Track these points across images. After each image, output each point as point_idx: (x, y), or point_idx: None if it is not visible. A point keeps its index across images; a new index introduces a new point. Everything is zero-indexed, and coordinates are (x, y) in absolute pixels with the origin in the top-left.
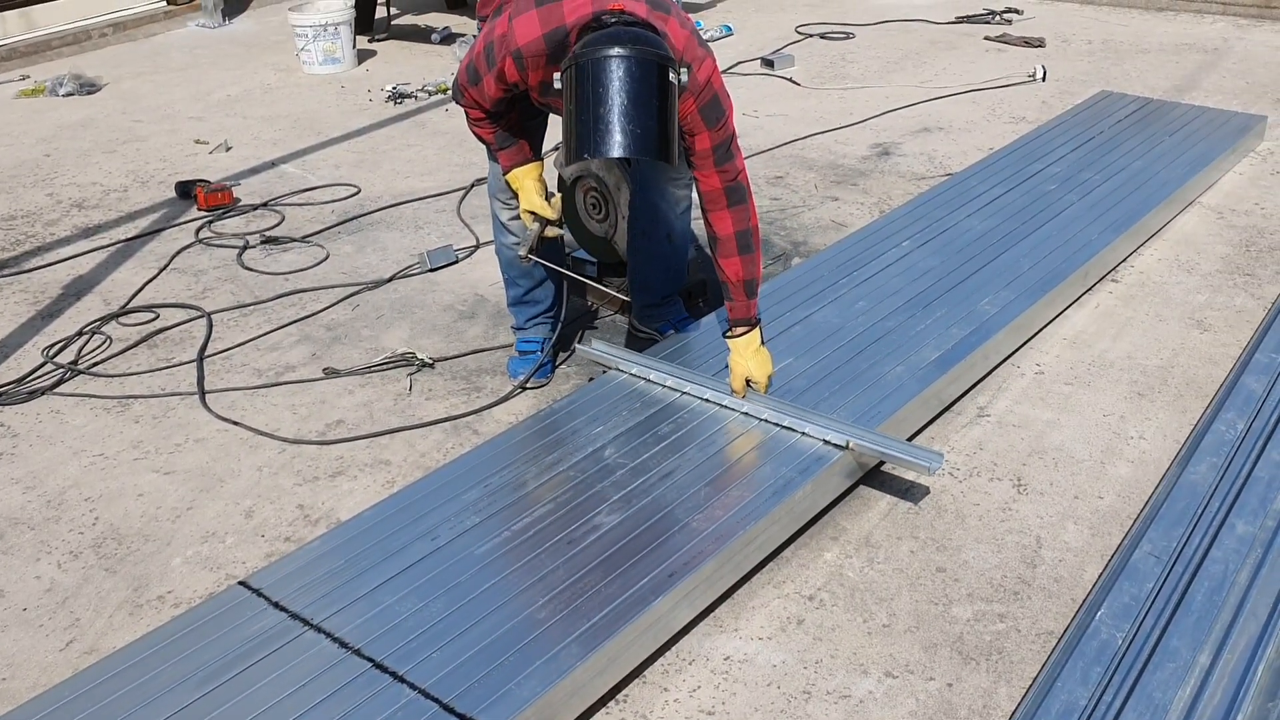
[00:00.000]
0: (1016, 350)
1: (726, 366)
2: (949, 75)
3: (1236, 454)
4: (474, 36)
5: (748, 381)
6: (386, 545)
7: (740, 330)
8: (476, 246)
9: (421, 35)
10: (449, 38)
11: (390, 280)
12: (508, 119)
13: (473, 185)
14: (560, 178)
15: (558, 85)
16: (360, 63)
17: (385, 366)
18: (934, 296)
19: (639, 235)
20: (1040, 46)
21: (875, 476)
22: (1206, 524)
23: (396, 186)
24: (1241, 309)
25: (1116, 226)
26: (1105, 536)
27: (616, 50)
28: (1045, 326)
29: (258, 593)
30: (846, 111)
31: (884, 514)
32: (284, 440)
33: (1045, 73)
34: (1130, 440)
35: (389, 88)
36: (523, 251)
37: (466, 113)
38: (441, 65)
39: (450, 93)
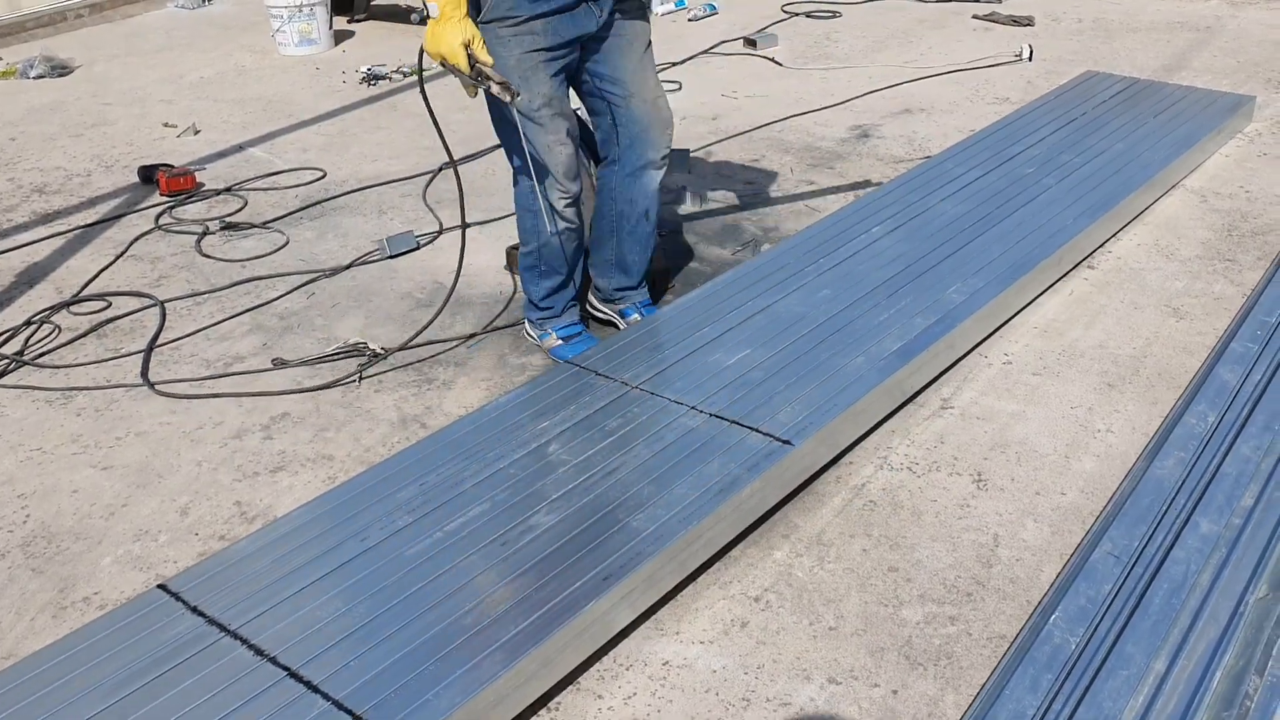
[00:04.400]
0: (985, 339)
1: (680, 361)
2: (934, 55)
3: (1205, 448)
4: None
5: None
6: (314, 546)
7: None
8: (439, 232)
9: (401, 16)
10: (426, 19)
11: (349, 267)
12: None
13: (440, 169)
14: None
15: None
16: (337, 44)
17: (336, 357)
18: (902, 284)
19: (616, 216)
20: (1029, 25)
21: (832, 471)
22: (1170, 522)
23: (363, 170)
24: (1220, 296)
25: (1094, 210)
26: (1065, 535)
27: None
28: (1017, 314)
29: (176, 596)
30: (828, 92)
31: (838, 511)
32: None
33: (1032, 52)
34: (1097, 434)
35: (364, 69)
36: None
37: None
38: (418, 46)
39: None
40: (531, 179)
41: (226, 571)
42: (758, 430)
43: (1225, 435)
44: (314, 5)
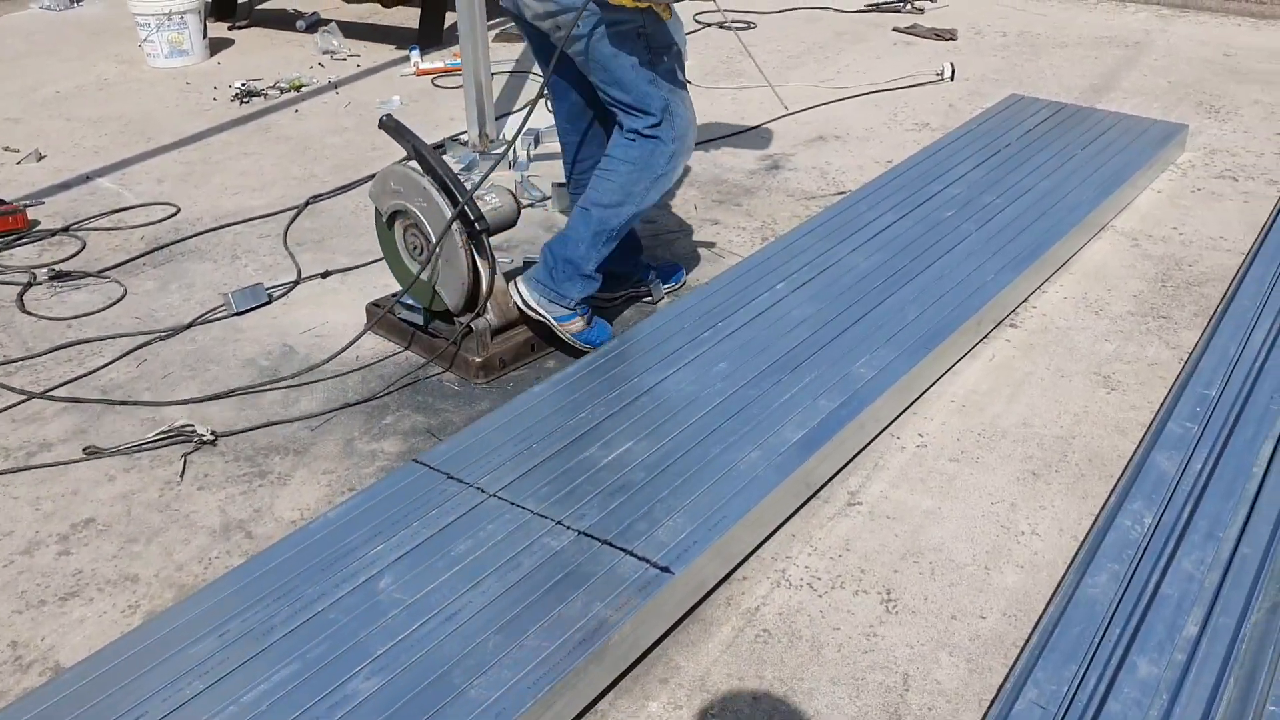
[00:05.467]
0: (898, 416)
1: (550, 459)
2: (852, 73)
3: (1142, 560)
4: (336, 25)
5: None
6: None
7: None
8: (296, 282)
9: (287, 22)
10: (314, 24)
11: (189, 327)
12: None
13: (306, 204)
14: (377, 212)
15: None
16: (214, 54)
17: (159, 444)
18: (806, 355)
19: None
20: (952, 39)
21: (723, 589)
22: (1104, 659)
23: (222, 205)
24: (1154, 361)
25: (1018, 263)
26: (985, 673)
27: None
28: (933, 384)
29: None
30: (738, 115)
31: (727, 644)
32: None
33: (954, 71)
34: (1020, 537)
35: (238, 84)
36: None
37: None
38: (303, 56)
39: None
40: (673, 136)
41: None
42: (633, 554)
43: (1164, 543)
44: (185, 13)
